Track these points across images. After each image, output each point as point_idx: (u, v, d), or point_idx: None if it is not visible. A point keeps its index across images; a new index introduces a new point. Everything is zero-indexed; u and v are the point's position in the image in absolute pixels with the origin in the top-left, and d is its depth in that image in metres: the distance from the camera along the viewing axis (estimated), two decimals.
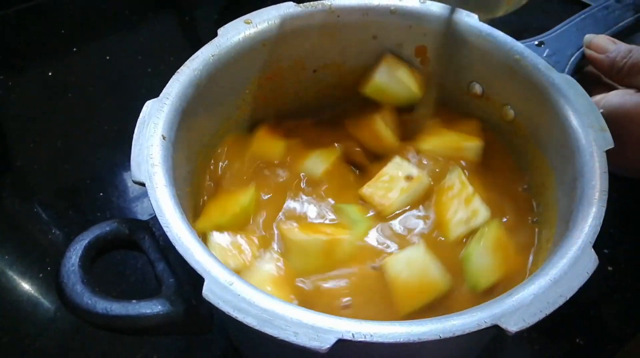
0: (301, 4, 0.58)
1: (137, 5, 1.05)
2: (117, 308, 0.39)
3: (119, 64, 0.93)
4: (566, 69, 0.57)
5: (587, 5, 0.66)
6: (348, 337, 0.35)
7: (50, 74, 0.91)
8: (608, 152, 0.46)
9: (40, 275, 0.68)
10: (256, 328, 0.35)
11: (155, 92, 0.50)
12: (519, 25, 1.04)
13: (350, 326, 0.35)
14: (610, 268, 0.70)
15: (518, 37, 0.59)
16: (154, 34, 1.00)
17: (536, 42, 0.60)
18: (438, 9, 0.58)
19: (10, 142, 0.83)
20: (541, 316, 0.36)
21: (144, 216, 0.74)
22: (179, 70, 0.52)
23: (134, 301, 0.40)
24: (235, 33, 0.55)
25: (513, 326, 0.35)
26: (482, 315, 0.35)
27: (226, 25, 0.56)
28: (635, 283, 0.69)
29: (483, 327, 0.35)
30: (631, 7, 0.64)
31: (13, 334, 0.63)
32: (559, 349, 0.63)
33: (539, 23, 1.03)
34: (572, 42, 0.60)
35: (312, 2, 0.58)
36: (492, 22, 0.97)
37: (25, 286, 0.67)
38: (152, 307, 0.40)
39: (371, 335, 0.34)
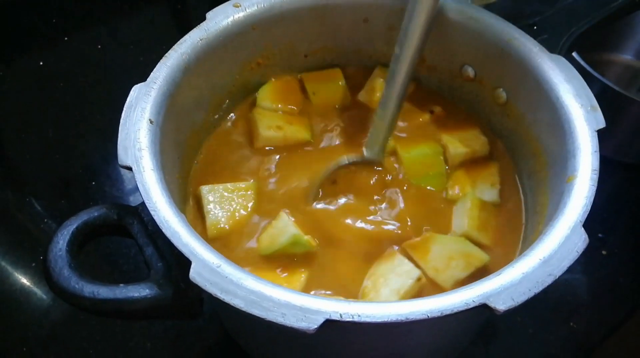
0: None
1: None
2: (104, 291, 0.39)
3: (110, 54, 0.93)
4: (558, 51, 0.57)
5: None
6: (336, 317, 0.34)
7: (41, 63, 0.90)
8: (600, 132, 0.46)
9: (33, 265, 0.67)
10: (243, 309, 0.35)
11: None
12: (514, 10, 1.03)
13: (338, 306, 0.35)
14: (604, 253, 0.70)
15: (512, 22, 0.59)
16: (145, 23, 0.99)
17: (529, 24, 0.59)
18: None
19: (1, 133, 0.83)
20: (530, 295, 0.35)
21: None
22: (166, 54, 0.51)
23: (121, 285, 0.40)
24: (224, 17, 0.55)
25: (502, 305, 0.35)
26: (470, 294, 0.35)
27: (215, 9, 0.55)
28: (628, 267, 0.69)
29: (471, 306, 0.34)
30: None
31: (6, 323, 0.63)
32: (553, 333, 0.63)
33: (534, 8, 1.02)
34: (564, 24, 0.60)
35: None
36: (488, 8, 0.97)
37: (18, 276, 0.67)
38: (139, 291, 0.39)
39: (359, 315, 0.34)
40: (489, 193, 0.56)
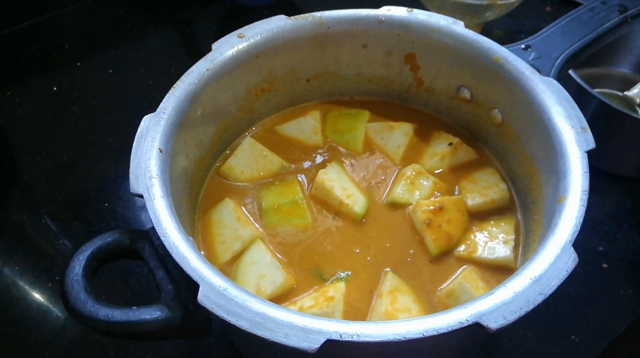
0: (292, 17, 0.60)
1: (138, 19, 1.08)
2: (118, 314, 0.41)
3: (121, 78, 0.96)
4: (552, 72, 0.59)
5: (580, 5, 0.66)
6: (336, 337, 0.36)
7: (54, 89, 0.93)
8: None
9: (49, 285, 0.70)
10: (248, 330, 0.37)
11: (157, 105, 0.52)
12: (513, 27, 1.05)
13: (338, 327, 0.37)
14: (605, 266, 0.71)
15: (512, 39, 0.61)
16: (154, 47, 1.03)
17: (523, 46, 0.61)
18: (425, 17, 0.60)
19: (17, 156, 0.86)
20: (521, 313, 0.37)
21: (148, 225, 0.76)
22: (174, 85, 0.54)
23: (134, 307, 0.42)
24: (228, 47, 0.57)
25: (494, 323, 0.36)
26: (464, 313, 0.37)
27: (220, 40, 0.58)
28: (629, 279, 0.70)
29: (465, 325, 0.36)
30: (616, 7, 0.65)
31: (25, 342, 0.65)
32: (555, 346, 0.64)
33: (533, 24, 1.04)
34: (557, 45, 0.61)
35: (302, 15, 0.60)
36: (487, 24, 0.99)
37: (35, 295, 0.69)
38: (151, 313, 0.41)
39: (358, 335, 0.36)
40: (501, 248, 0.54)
